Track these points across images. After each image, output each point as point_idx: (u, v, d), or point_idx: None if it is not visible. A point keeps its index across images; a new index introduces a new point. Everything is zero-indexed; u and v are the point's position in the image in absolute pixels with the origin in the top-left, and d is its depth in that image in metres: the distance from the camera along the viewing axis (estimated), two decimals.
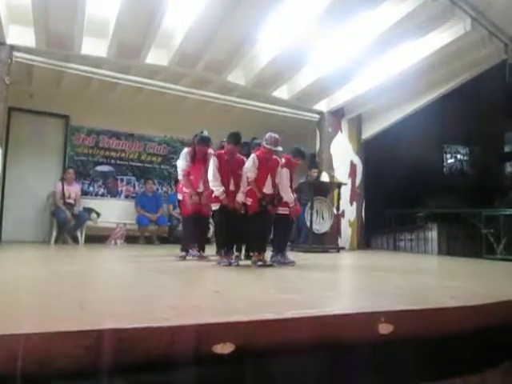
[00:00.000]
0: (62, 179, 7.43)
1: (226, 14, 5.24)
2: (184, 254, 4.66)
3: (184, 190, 4.76)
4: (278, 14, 5.38)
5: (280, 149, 4.12)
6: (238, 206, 4.04)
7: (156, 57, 6.37)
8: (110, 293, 2.30)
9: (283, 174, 4.20)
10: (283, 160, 4.30)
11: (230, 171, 4.08)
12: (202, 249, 4.73)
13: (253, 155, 4.10)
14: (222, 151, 4.19)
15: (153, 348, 1.31)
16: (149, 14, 5.29)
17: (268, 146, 4.05)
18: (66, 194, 7.28)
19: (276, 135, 4.13)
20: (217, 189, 4.01)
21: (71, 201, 7.31)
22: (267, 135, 4.13)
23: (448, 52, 6.08)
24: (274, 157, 4.17)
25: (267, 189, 4.05)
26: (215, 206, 4.09)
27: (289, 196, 4.21)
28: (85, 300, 1.90)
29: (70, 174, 7.49)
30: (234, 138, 4.14)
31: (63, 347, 1.23)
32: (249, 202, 4.05)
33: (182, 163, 4.67)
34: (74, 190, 7.44)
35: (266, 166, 4.07)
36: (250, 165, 4.04)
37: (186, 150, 4.83)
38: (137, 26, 5.56)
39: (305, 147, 4.63)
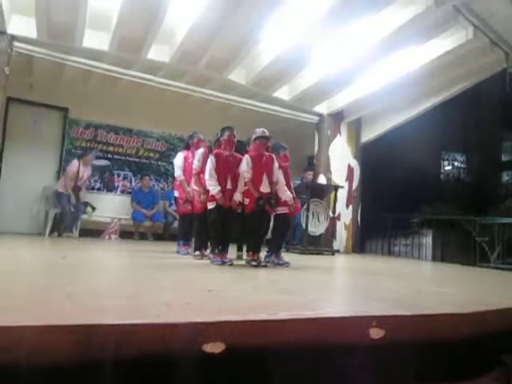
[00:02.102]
0: (80, 158, 7.37)
1: (229, 12, 5.23)
2: (198, 253, 4.65)
3: (194, 187, 4.76)
4: (280, 14, 5.37)
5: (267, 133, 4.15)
6: (234, 204, 4.03)
7: (158, 53, 6.37)
8: (102, 287, 2.29)
9: (279, 173, 4.21)
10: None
11: (228, 170, 4.06)
12: (206, 248, 4.74)
13: (246, 156, 4.09)
14: (221, 150, 4.16)
15: (143, 345, 1.31)
16: (152, 8, 5.28)
17: (259, 135, 4.07)
18: (80, 175, 7.20)
19: (263, 128, 4.15)
20: (213, 188, 3.99)
21: (81, 183, 7.26)
22: (255, 130, 4.15)
23: (449, 59, 6.10)
24: (268, 154, 4.16)
25: (264, 187, 4.03)
26: (211, 205, 4.08)
27: (286, 194, 4.20)
28: (76, 294, 1.89)
29: (90, 156, 7.44)
30: (228, 128, 4.13)
31: (53, 341, 1.22)
32: (246, 201, 4.05)
33: (195, 163, 4.69)
34: (87, 172, 7.39)
35: (261, 165, 4.05)
36: (244, 165, 4.04)
37: (201, 150, 4.81)
38: (139, 20, 5.54)
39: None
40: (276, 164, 4.17)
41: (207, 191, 4.24)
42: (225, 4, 5.12)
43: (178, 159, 5.35)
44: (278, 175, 4.17)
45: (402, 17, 5.45)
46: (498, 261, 7.28)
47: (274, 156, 4.21)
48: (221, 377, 1.45)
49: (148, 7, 5.26)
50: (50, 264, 3.44)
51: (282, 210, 4.29)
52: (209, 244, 4.52)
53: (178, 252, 5.16)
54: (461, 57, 6.05)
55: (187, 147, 5.41)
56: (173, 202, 6.77)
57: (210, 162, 4.05)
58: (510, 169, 13.96)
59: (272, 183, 4.09)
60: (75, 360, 1.23)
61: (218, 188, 3.97)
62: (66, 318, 1.37)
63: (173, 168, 5.71)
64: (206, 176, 4.07)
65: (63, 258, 3.81)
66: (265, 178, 4.05)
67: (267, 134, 4.12)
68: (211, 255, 4.17)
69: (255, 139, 4.10)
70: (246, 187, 4.05)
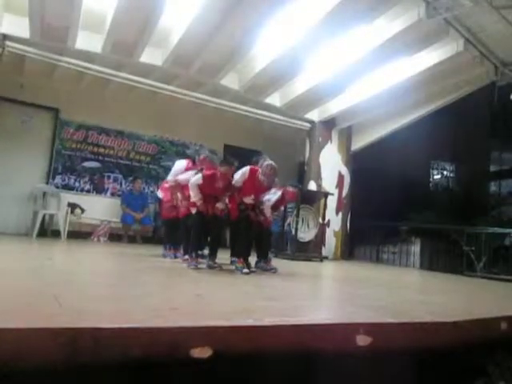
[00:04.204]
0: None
1: (223, 18, 5.25)
2: (187, 257, 4.60)
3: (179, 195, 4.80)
4: (274, 21, 5.41)
5: (276, 180, 4.18)
6: (217, 210, 4.06)
7: (151, 56, 6.35)
8: (89, 290, 2.28)
9: (276, 194, 4.32)
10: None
11: (213, 191, 4.08)
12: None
13: (247, 168, 4.11)
14: (217, 176, 4.06)
15: (129, 349, 1.30)
16: (146, 12, 5.27)
17: (262, 178, 4.03)
18: None
19: (273, 164, 4.05)
20: (194, 195, 4.04)
21: None
22: (264, 164, 4.04)
23: (439, 70, 6.18)
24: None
25: (248, 199, 4.09)
26: (193, 210, 4.10)
27: (267, 211, 4.31)
28: (63, 297, 1.88)
29: None
30: (230, 163, 4.08)
31: (39, 344, 1.21)
32: (229, 206, 4.11)
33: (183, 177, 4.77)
34: None
35: (256, 184, 4.10)
36: (239, 175, 4.08)
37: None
38: (134, 23, 5.53)
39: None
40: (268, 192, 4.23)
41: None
42: (219, 9, 5.14)
43: (180, 164, 5.22)
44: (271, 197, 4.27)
45: (393, 27, 5.51)
46: (484, 270, 7.36)
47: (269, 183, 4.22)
48: (208, 382, 1.45)
49: (142, 10, 5.25)
50: (38, 265, 3.40)
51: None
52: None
53: (164, 256, 5.13)
54: (451, 68, 6.13)
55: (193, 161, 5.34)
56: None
57: (196, 179, 4.06)
58: (498, 179, 14.14)
59: (258, 199, 4.14)
60: (61, 363, 1.22)
61: (200, 196, 4.00)
62: (53, 320, 1.36)
63: (164, 171, 5.67)
64: (190, 191, 4.09)
65: (49, 259, 3.77)
66: (252, 195, 4.09)
67: (272, 167, 4.05)
68: (188, 258, 4.17)
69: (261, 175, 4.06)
70: (230, 193, 4.11)
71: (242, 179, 4.06)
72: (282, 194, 4.47)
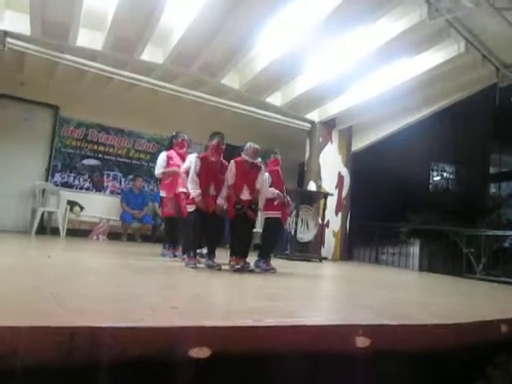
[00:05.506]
0: None
1: (225, 17, 5.24)
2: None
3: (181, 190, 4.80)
4: (276, 21, 5.40)
5: (259, 160, 4.18)
6: (218, 208, 4.03)
7: (152, 54, 6.34)
8: (87, 289, 2.27)
9: (266, 178, 4.30)
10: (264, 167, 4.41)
11: (212, 176, 4.05)
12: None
13: (232, 161, 4.11)
14: (208, 154, 4.14)
15: (127, 348, 1.29)
16: (147, 10, 5.26)
17: (246, 158, 4.11)
18: None
19: (256, 146, 4.15)
20: (193, 190, 3.99)
21: None
22: (247, 145, 4.17)
23: (441, 72, 6.18)
24: (256, 163, 4.18)
25: (244, 195, 4.06)
26: (190, 208, 4.07)
27: (270, 192, 4.30)
28: (61, 295, 1.87)
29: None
30: (217, 134, 4.13)
31: (36, 342, 1.20)
32: (226, 205, 4.09)
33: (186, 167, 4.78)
34: None
35: (245, 173, 4.08)
36: (228, 171, 4.08)
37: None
38: (135, 21, 5.52)
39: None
40: (261, 175, 4.19)
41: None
42: (221, 8, 5.13)
43: (161, 158, 5.32)
44: (262, 181, 4.22)
45: (395, 28, 5.51)
46: (484, 272, 7.35)
47: (260, 166, 4.22)
48: (207, 382, 1.44)
49: (144, 8, 5.24)
50: (36, 262, 3.40)
51: (272, 214, 4.33)
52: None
53: (163, 255, 5.12)
54: (452, 70, 6.13)
55: (170, 147, 5.41)
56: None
57: (195, 164, 4.04)
58: (498, 181, 14.14)
59: (253, 192, 4.10)
60: (58, 362, 1.21)
61: (199, 191, 3.96)
62: (51, 319, 1.35)
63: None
64: (189, 179, 4.07)
65: (48, 257, 3.76)
66: (246, 187, 4.06)
67: (259, 160, 4.15)
68: (186, 257, 4.14)
69: (244, 155, 4.15)
70: (228, 192, 4.09)
71: (232, 174, 4.06)
72: (268, 170, 4.46)
